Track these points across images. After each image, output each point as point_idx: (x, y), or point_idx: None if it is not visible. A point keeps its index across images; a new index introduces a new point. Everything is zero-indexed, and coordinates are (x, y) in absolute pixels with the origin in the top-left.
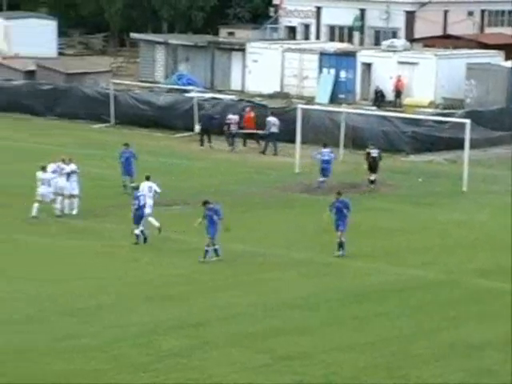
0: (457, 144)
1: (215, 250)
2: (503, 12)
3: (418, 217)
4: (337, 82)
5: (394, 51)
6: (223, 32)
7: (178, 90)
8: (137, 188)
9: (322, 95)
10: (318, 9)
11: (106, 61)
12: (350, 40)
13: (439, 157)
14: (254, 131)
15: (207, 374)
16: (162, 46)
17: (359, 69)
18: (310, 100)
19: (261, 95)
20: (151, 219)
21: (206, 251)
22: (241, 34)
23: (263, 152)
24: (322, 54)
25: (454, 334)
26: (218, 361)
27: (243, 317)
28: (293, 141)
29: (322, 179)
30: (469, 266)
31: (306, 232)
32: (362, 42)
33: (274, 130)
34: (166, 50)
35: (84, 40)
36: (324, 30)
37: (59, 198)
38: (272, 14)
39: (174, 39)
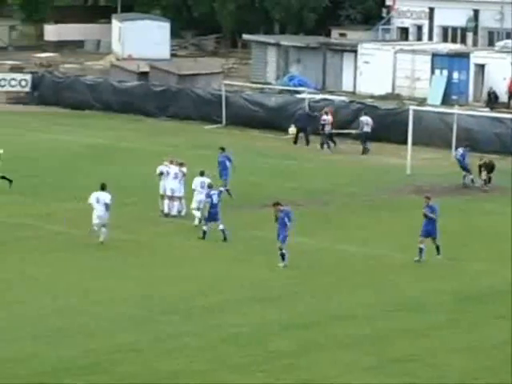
0: None
1: (282, 256)
2: None
3: None
4: (449, 84)
5: (508, 52)
6: (335, 33)
7: (289, 91)
8: (211, 186)
9: (434, 96)
10: (431, 10)
11: (218, 62)
12: (463, 41)
13: None
14: (348, 131)
15: (321, 375)
16: (274, 48)
17: (472, 70)
18: (422, 101)
19: (372, 96)
20: (195, 212)
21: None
22: (353, 35)
23: (364, 152)
24: (435, 55)
25: None
26: (326, 362)
27: (354, 319)
28: (404, 142)
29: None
30: None
31: (418, 234)
32: (475, 43)
33: (367, 129)
34: (278, 51)
35: (196, 41)
36: (437, 31)
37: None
38: (384, 14)
39: (286, 40)
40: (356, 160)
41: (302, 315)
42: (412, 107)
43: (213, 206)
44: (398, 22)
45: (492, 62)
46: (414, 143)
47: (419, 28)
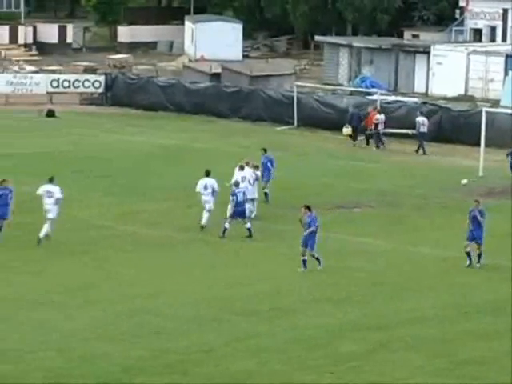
0: None
1: (304, 262)
2: None
3: None
4: None
5: None
6: (408, 34)
7: (361, 92)
8: (237, 185)
9: (508, 98)
10: (505, 11)
11: (290, 63)
12: None
13: None
14: (404, 131)
15: (389, 377)
16: (346, 49)
17: None
18: (495, 103)
19: (445, 98)
20: (206, 213)
21: (317, 259)
22: (425, 36)
23: (424, 153)
24: (509, 57)
25: None
26: (395, 364)
27: (424, 321)
28: (477, 144)
29: None
30: None
31: (493, 237)
32: None
33: (423, 129)
34: (350, 52)
35: (268, 42)
36: (510, 32)
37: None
38: (457, 16)
39: (358, 42)
40: (423, 161)
41: (372, 317)
42: (485, 109)
43: (238, 204)
44: (471, 23)
45: None
46: (486, 145)
47: (493, 29)
